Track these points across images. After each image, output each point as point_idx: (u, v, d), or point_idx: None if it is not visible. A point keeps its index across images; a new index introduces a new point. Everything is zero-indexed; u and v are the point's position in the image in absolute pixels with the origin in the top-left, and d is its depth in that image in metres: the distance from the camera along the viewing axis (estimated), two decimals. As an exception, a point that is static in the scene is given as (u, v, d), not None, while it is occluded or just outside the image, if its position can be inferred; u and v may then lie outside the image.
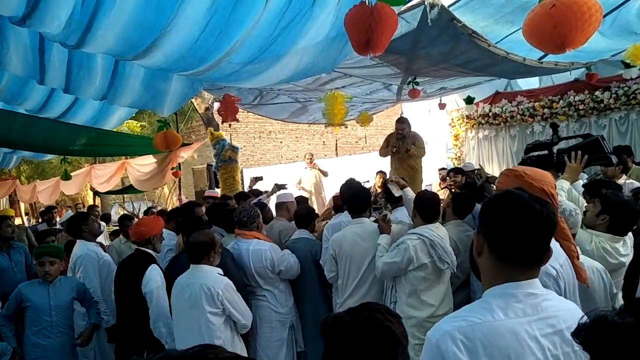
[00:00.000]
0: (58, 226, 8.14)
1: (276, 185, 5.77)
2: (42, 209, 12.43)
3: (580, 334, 0.92)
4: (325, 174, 9.51)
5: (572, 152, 2.87)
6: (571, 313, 1.24)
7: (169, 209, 9.00)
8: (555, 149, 3.16)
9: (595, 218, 2.69)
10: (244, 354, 3.12)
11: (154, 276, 3.36)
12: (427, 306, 3.10)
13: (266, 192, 5.86)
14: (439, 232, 3.21)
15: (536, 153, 3.25)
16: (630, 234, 2.78)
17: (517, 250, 1.21)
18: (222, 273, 3.14)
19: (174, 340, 3.21)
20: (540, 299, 1.22)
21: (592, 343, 0.89)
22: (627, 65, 6.05)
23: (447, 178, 6.37)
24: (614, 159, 2.99)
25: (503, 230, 1.22)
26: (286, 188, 5.76)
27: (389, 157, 6.68)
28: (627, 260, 2.58)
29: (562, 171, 2.82)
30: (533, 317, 1.19)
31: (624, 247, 2.60)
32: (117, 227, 7.51)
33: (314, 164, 9.61)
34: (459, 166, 8.20)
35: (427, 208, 3.27)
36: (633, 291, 2.61)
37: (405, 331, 1.20)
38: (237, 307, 3.07)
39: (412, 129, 6.62)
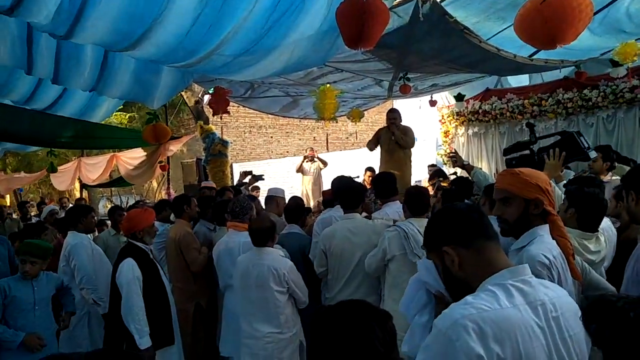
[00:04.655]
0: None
1: (253, 176, 5.77)
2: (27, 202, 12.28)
3: (584, 315, 1.00)
4: (324, 163, 10.00)
5: (549, 150, 2.91)
6: (564, 300, 1.31)
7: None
8: (535, 148, 3.20)
9: (564, 214, 2.60)
10: (301, 326, 3.38)
11: (126, 270, 3.36)
12: None
13: (245, 183, 5.82)
14: (419, 225, 3.11)
15: (517, 154, 3.29)
16: (608, 230, 2.78)
17: (480, 232, 1.36)
18: (283, 255, 3.40)
19: (142, 337, 3.24)
20: (536, 287, 1.28)
21: (594, 322, 0.97)
22: (615, 64, 6.10)
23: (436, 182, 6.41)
24: (593, 154, 3.03)
25: (464, 226, 1.37)
26: (263, 179, 5.82)
27: (379, 151, 6.67)
28: (596, 257, 2.49)
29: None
30: (534, 304, 1.24)
31: (595, 244, 2.52)
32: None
33: (313, 158, 10.07)
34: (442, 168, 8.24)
35: (415, 202, 3.28)
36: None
37: (391, 330, 1.22)
38: (299, 286, 3.32)
39: (402, 124, 6.61)
